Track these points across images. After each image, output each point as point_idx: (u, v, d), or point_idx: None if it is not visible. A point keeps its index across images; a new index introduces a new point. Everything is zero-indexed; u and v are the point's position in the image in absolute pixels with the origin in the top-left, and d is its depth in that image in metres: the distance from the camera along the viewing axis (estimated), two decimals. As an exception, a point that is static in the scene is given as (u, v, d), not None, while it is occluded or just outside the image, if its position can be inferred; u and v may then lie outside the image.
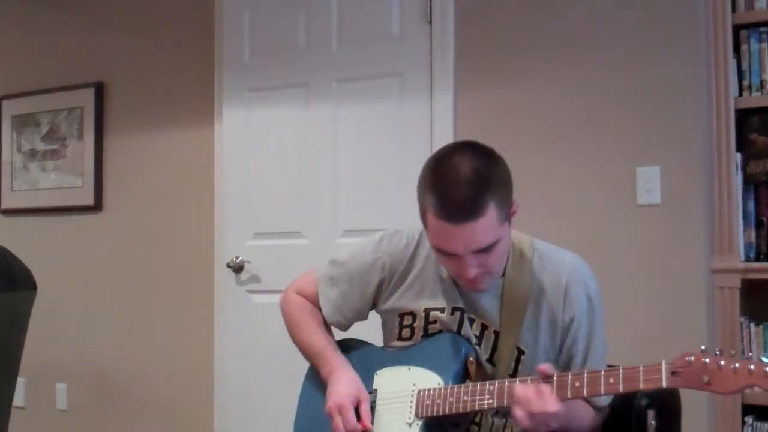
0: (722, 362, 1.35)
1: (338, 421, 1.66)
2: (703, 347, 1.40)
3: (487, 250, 1.54)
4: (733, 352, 1.39)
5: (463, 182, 1.51)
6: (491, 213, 1.51)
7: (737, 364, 1.34)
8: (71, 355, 4.03)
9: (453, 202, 1.51)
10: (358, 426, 1.66)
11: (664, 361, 1.41)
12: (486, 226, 1.52)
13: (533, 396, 1.48)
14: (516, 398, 1.51)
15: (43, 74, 4.18)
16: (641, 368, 1.43)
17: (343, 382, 1.72)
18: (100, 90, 3.99)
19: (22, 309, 2.62)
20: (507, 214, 1.57)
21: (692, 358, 1.38)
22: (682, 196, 2.75)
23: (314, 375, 1.84)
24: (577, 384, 1.48)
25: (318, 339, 1.83)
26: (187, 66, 3.74)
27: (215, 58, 3.62)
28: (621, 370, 1.45)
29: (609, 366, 1.72)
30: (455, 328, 1.70)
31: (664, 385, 1.40)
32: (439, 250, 1.58)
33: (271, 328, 3.34)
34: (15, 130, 4.27)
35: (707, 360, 1.37)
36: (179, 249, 3.74)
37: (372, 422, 1.69)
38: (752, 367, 1.32)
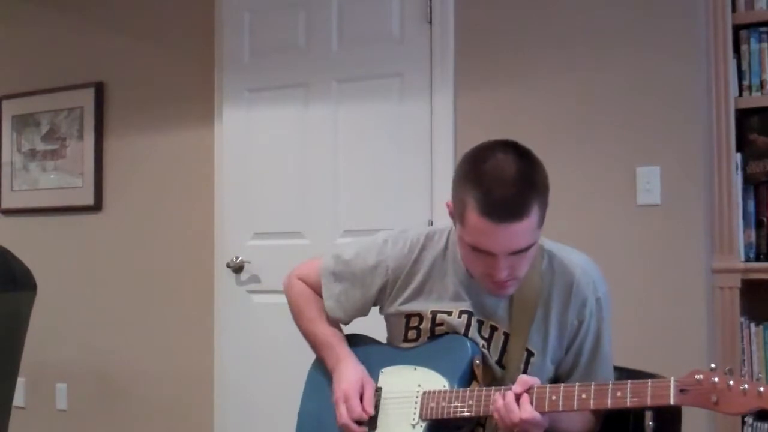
0: (731, 382, 1.34)
1: (342, 410, 1.67)
2: (712, 365, 1.38)
3: (522, 251, 1.53)
4: (744, 372, 1.39)
5: (509, 181, 1.49)
6: (534, 215, 1.50)
7: (746, 386, 1.33)
8: (71, 355, 4.03)
9: (499, 201, 1.48)
10: (363, 414, 1.66)
11: (672, 378, 1.40)
12: (528, 228, 1.50)
13: (501, 405, 1.51)
14: (494, 407, 1.53)
15: (43, 74, 4.18)
16: (649, 383, 1.42)
17: (349, 372, 1.72)
18: (100, 90, 3.99)
19: (22, 309, 2.61)
20: (544, 216, 1.55)
21: (701, 376, 1.37)
22: (682, 196, 2.75)
23: (319, 367, 1.84)
24: (584, 395, 1.47)
25: (324, 329, 1.84)
26: (187, 66, 3.74)
27: (215, 58, 3.62)
28: (629, 384, 1.44)
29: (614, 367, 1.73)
30: (462, 330, 1.69)
31: (671, 402, 1.39)
32: (475, 248, 1.55)
33: (271, 328, 3.37)
34: (15, 130, 4.27)
35: (716, 379, 1.35)
36: (179, 249, 3.74)
37: (376, 418, 1.69)
38: (762, 389, 1.31)
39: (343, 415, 1.67)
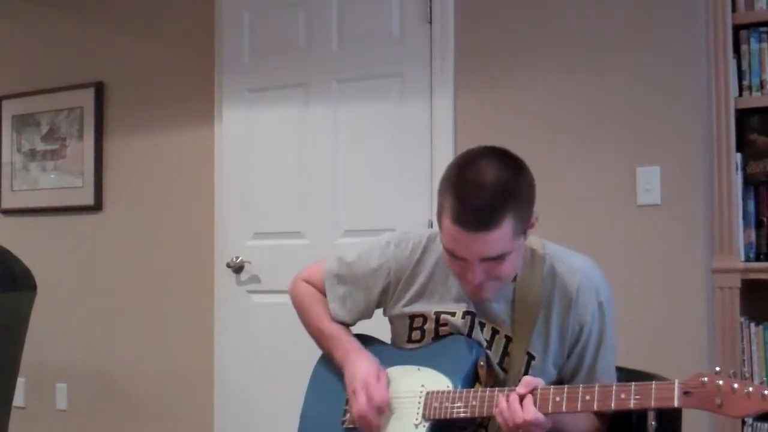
0: (736, 385, 1.33)
1: (362, 398, 1.66)
2: (717, 368, 1.38)
3: (496, 259, 1.53)
4: (744, 372, 1.38)
5: (484, 190, 1.49)
6: (506, 226, 1.49)
7: (751, 388, 1.32)
8: (71, 355, 4.03)
9: (470, 209, 1.49)
10: (385, 400, 1.65)
11: (677, 380, 1.40)
12: (498, 238, 1.50)
13: (504, 406, 1.51)
14: (497, 409, 1.53)
15: (43, 74, 4.18)
16: (653, 385, 1.42)
17: (363, 362, 1.72)
18: (100, 90, 3.99)
19: (22, 309, 2.62)
20: (524, 228, 1.54)
21: (706, 378, 1.36)
22: (682, 196, 2.75)
23: (325, 364, 1.84)
24: (587, 397, 1.47)
25: (330, 324, 1.84)
26: (187, 66, 3.74)
27: (215, 58, 3.62)
28: (633, 386, 1.43)
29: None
30: (466, 331, 1.69)
31: (676, 404, 1.38)
32: (449, 252, 1.57)
33: (271, 327, 3.37)
34: (15, 130, 4.27)
35: (721, 382, 1.35)
36: (179, 249, 3.74)
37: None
38: (766, 392, 1.31)
39: (363, 403, 1.66)
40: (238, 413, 3.50)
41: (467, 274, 1.57)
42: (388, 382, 1.71)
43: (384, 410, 1.66)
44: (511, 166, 1.54)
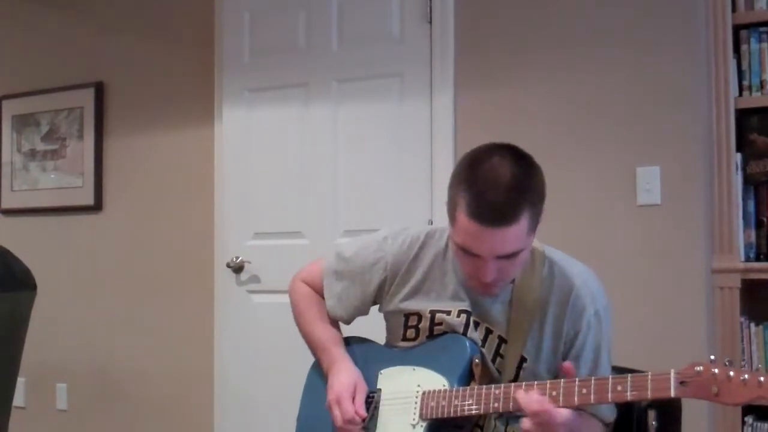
0: (731, 373, 1.33)
1: (336, 413, 1.67)
2: (712, 357, 1.38)
3: (510, 256, 1.53)
4: (743, 363, 1.38)
5: (501, 186, 1.49)
6: (523, 222, 1.49)
7: (746, 376, 1.32)
8: (71, 355, 4.03)
9: (488, 205, 1.48)
10: (355, 416, 1.65)
11: (672, 371, 1.39)
12: (516, 233, 1.50)
13: (539, 407, 1.48)
14: (525, 409, 1.49)
15: (43, 74, 4.18)
16: (649, 376, 1.41)
17: (341, 375, 1.72)
18: (100, 90, 3.99)
19: (22, 309, 2.62)
20: (536, 224, 1.55)
21: (701, 368, 1.36)
22: (682, 196, 2.75)
23: (318, 369, 1.84)
24: (584, 390, 1.47)
25: (322, 332, 1.83)
26: (187, 66, 3.74)
27: (215, 58, 3.62)
28: (629, 378, 1.43)
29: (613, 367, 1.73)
30: (461, 330, 1.69)
31: (672, 394, 1.38)
32: (463, 249, 1.56)
33: (271, 328, 3.37)
34: (15, 130, 4.27)
35: (716, 370, 1.35)
36: (179, 249, 3.74)
37: (375, 422, 1.68)
38: (762, 379, 1.31)
39: (338, 418, 1.67)
40: (238, 413, 3.50)
41: (479, 272, 1.56)
42: (377, 390, 1.70)
43: (358, 421, 1.65)
44: (524, 162, 1.55)
